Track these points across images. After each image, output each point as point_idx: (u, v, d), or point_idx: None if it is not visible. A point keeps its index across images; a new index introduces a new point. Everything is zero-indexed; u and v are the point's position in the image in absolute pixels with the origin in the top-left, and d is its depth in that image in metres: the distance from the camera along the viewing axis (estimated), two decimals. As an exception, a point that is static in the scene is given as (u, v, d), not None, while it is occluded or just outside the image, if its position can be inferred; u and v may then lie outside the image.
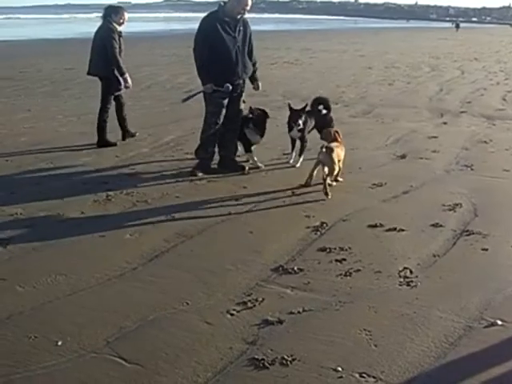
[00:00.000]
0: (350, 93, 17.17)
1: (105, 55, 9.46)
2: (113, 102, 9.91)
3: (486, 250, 5.91)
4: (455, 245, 6.03)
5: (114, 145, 9.93)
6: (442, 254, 5.79)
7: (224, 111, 8.19)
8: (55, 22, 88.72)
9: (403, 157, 9.54)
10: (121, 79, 9.56)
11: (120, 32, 9.67)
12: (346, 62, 28.25)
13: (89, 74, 9.89)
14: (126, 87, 9.76)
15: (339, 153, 7.67)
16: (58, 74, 21.63)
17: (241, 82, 8.32)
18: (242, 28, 8.08)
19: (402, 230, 6.34)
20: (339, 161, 7.69)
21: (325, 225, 6.46)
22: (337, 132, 8.06)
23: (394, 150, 9.97)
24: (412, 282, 5.13)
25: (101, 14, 9.80)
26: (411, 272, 5.31)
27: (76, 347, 4.08)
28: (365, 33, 73.28)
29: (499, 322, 4.49)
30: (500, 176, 8.59)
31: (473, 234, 6.31)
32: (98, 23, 9.80)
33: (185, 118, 10.86)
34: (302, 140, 8.79)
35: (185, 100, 8.85)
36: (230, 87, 8.09)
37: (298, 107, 8.74)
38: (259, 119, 8.58)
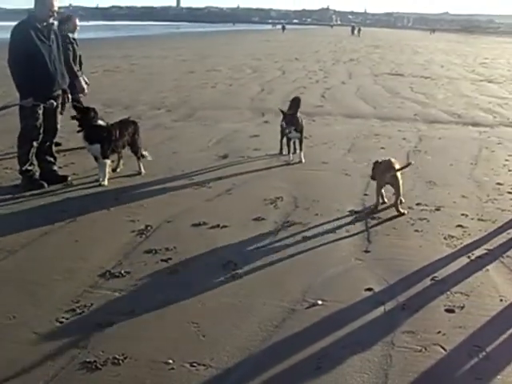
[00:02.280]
0: (172, 97, 17.29)
1: None
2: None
3: (307, 238, 6.31)
4: (277, 236, 6.37)
5: None
6: (266, 245, 6.10)
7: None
8: None
9: (225, 157, 9.82)
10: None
11: (74, 39, 10.12)
12: (168, 67, 28.41)
13: None
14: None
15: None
16: None
17: (60, 92, 8.14)
18: (53, 36, 7.91)
19: (226, 227, 6.60)
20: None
21: (149, 227, 6.56)
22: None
23: (217, 150, 10.21)
24: (237, 274, 5.39)
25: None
26: (235, 265, 5.56)
27: None
28: (187, 38, 73.88)
29: (320, 302, 4.89)
30: (319, 168, 9.12)
31: (294, 224, 6.71)
32: None
33: (2, 132, 10.48)
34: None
35: None
36: (54, 103, 7.95)
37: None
38: None
